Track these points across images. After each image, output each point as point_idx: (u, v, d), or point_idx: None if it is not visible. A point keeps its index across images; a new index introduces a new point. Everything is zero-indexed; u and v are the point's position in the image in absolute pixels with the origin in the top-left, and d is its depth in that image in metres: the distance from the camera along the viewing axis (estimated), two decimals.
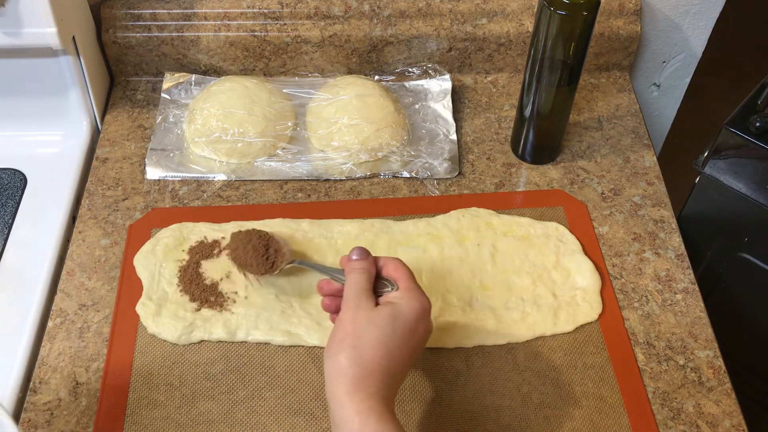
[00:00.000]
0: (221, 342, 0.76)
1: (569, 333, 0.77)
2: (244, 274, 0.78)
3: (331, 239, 0.82)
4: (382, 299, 0.64)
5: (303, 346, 0.76)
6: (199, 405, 0.72)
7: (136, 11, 0.97)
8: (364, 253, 0.67)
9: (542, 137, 0.91)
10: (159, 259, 0.81)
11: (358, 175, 0.91)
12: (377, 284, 0.66)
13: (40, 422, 0.71)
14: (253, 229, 0.79)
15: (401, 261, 0.67)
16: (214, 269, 0.81)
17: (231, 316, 0.77)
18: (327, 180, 0.91)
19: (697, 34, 1.06)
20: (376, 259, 0.67)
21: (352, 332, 0.61)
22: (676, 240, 0.86)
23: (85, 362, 0.75)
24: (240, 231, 0.79)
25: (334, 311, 0.69)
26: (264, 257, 0.76)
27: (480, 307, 0.79)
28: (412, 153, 0.92)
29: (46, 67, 0.90)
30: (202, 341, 0.76)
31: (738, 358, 0.86)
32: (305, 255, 0.81)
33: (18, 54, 0.89)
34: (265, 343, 0.76)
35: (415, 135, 0.95)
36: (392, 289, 0.65)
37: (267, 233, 0.78)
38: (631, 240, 0.86)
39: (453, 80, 1.01)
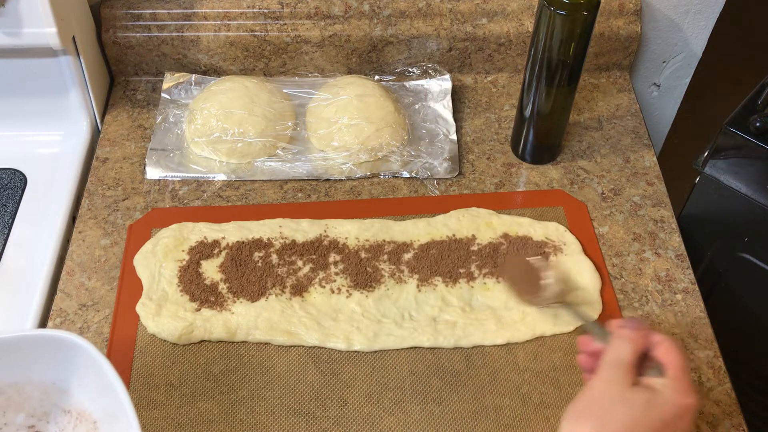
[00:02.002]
0: (221, 342, 0.76)
1: (569, 333, 0.77)
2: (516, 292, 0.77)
3: None
4: (643, 381, 0.58)
5: (303, 346, 0.76)
6: (199, 405, 0.72)
7: (136, 11, 0.97)
8: (638, 323, 0.60)
9: (542, 137, 0.91)
10: (159, 259, 0.81)
11: (358, 175, 0.91)
12: (643, 363, 0.59)
13: None
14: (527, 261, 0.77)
15: (678, 345, 0.60)
16: (214, 269, 0.81)
17: (231, 316, 0.77)
18: (327, 180, 0.91)
19: (697, 34, 1.06)
20: (649, 333, 0.60)
21: (600, 402, 0.56)
22: (676, 240, 0.86)
23: None
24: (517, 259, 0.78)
25: (589, 371, 0.63)
26: (534, 286, 0.75)
27: (480, 307, 0.79)
28: (412, 153, 0.92)
29: (46, 67, 0.90)
30: (202, 341, 0.76)
31: (738, 358, 0.86)
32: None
33: (18, 54, 0.89)
34: (265, 343, 0.76)
35: (415, 135, 0.95)
36: (657, 374, 0.58)
37: (541, 267, 0.76)
38: (631, 240, 0.86)
39: (453, 80, 1.01)
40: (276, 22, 0.98)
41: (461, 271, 0.81)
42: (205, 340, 0.76)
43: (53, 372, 0.61)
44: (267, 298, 0.78)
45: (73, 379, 0.61)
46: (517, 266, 0.78)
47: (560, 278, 0.76)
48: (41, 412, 0.62)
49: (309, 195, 0.90)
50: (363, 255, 0.82)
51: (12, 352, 0.60)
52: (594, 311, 0.79)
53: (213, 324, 0.76)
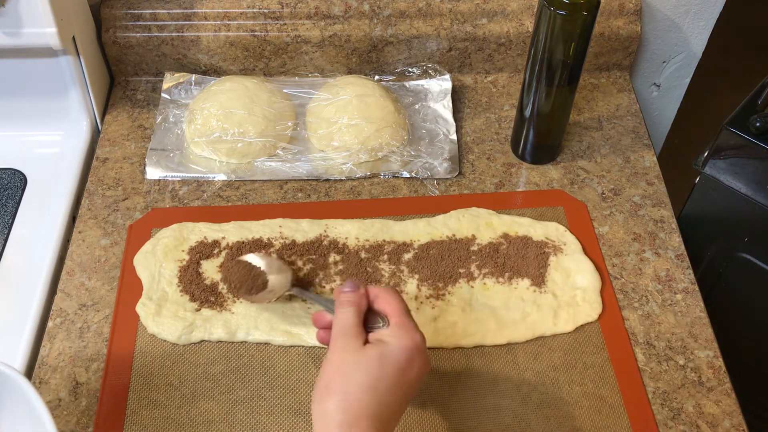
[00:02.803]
0: (221, 342, 0.76)
1: (569, 333, 0.77)
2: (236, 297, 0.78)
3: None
4: (371, 336, 0.61)
5: (303, 346, 0.76)
6: (199, 405, 0.72)
7: (136, 11, 0.97)
8: (355, 285, 0.63)
9: (542, 137, 0.91)
10: (159, 259, 0.81)
11: (358, 175, 0.91)
12: (369, 318, 0.62)
13: None
14: (241, 261, 0.76)
15: (395, 292, 0.63)
16: (214, 269, 0.81)
17: (231, 316, 0.77)
18: (327, 180, 0.91)
19: (697, 34, 1.06)
20: (368, 291, 0.63)
21: (338, 375, 0.58)
22: (676, 240, 0.86)
23: (85, 362, 0.75)
24: (232, 261, 0.77)
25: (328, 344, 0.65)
26: (250, 281, 0.74)
27: (480, 307, 0.79)
28: (412, 153, 0.92)
29: (46, 67, 0.90)
30: (202, 341, 0.76)
31: (738, 358, 0.86)
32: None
33: (18, 54, 0.89)
34: (265, 343, 0.76)
35: (415, 135, 0.95)
36: (383, 325, 0.61)
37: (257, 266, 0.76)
38: (631, 240, 0.86)
39: (453, 80, 1.01)
40: (276, 22, 0.98)
41: (461, 271, 0.81)
42: (205, 340, 0.76)
43: None
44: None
45: (2, 409, 0.60)
46: (236, 268, 0.76)
47: (280, 268, 0.76)
48: None
49: (309, 195, 0.90)
50: (363, 255, 0.82)
51: None
52: (594, 311, 0.79)
53: (213, 324, 0.76)
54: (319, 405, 0.58)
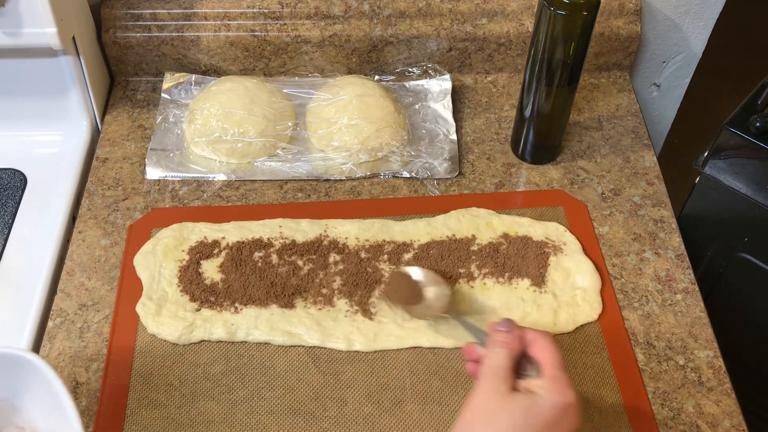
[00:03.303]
0: (221, 342, 0.76)
1: (569, 333, 0.77)
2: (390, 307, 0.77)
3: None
4: (522, 384, 0.58)
5: (303, 346, 0.76)
6: (199, 405, 0.72)
7: (136, 11, 0.97)
8: (510, 325, 0.60)
9: (542, 137, 0.91)
10: (159, 259, 0.81)
11: (358, 175, 0.91)
12: (521, 363, 0.59)
13: None
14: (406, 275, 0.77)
15: (552, 340, 0.59)
16: (214, 269, 0.81)
17: (231, 316, 0.77)
18: (327, 180, 0.91)
19: (697, 34, 1.06)
20: (523, 333, 0.60)
21: (481, 416, 0.56)
22: (676, 240, 0.86)
23: (85, 362, 0.75)
24: (396, 272, 0.78)
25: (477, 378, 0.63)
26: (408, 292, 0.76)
27: (480, 307, 0.79)
28: (412, 153, 0.92)
29: (46, 67, 0.90)
30: (202, 341, 0.76)
31: (738, 358, 0.86)
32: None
33: (18, 54, 0.89)
34: (265, 343, 0.76)
35: (415, 135, 0.95)
36: (535, 374, 0.58)
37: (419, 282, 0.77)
38: (631, 240, 0.86)
39: (453, 80, 1.01)
40: (276, 22, 0.98)
41: (461, 271, 0.81)
42: (205, 340, 0.76)
43: (8, 389, 0.61)
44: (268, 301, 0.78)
45: (26, 396, 0.61)
46: (399, 280, 0.77)
47: (444, 292, 0.76)
48: None
49: (309, 195, 0.90)
50: (363, 255, 0.82)
51: None
52: (594, 311, 0.79)
53: (213, 324, 0.76)
54: None
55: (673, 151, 1.22)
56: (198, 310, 0.77)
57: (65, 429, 0.57)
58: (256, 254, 0.82)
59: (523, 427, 0.55)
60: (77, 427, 0.56)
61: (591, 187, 0.91)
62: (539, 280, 0.80)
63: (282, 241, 0.83)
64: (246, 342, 0.76)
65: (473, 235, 0.84)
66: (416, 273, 0.77)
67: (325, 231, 0.84)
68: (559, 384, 0.56)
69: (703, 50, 1.08)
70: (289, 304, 0.78)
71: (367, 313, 0.78)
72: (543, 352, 0.58)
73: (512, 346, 0.59)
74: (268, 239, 0.83)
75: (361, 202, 0.89)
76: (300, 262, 0.81)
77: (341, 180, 0.91)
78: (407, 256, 0.82)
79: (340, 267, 0.81)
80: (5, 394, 0.62)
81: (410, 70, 1.02)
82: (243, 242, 0.83)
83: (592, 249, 0.84)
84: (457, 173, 0.92)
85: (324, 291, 0.79)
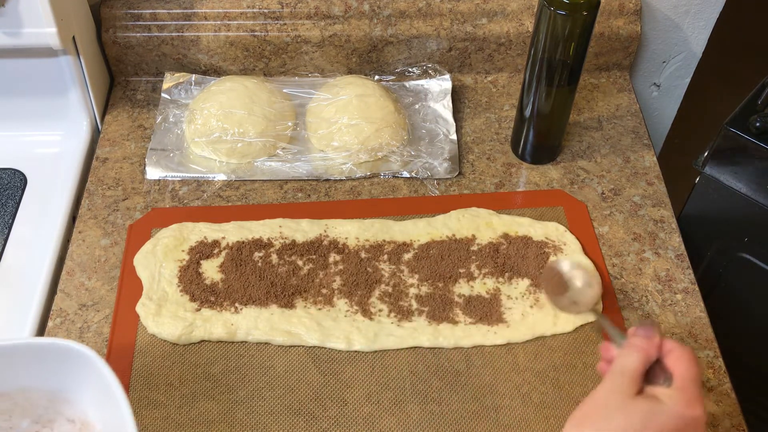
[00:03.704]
0: (221, 342, 0.76)
1: (569, 333, 0.77)
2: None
3: None
4: (648, 389, 0.57)
5: (303, 346, 0.76)
6: (199, 405, 0.72)
7: (136, 11, 0.97)
8: (651, 331, 0.59)
9: (542, 137, 0.91)
10: (159, 259, 0.81)
11: (358, 175, 0.91)
12: (653, 371, 0.58)
13: None
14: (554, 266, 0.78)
15: (691, 354, 0.58)
16: (214, 269, 0.81)
17: (231, 316, 0.77)
18: (327, 180, 0.91)
19: (697, 34, 1.06)
20: (662, 343, 0.59)
21: (600, 411, 0.55)
22: (676, 240, 0.86)
23: None
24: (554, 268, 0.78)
25: None
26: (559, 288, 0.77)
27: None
28: (412, 153, 0.92)
29: (46, 67, 0.90)
30: (202, 341, 0.76)
31: (738, 358, 0.86)
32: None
33: (18, 54, 0.89)
34: (265, 343, 0.76)
35: (415, 135, 0.95)
36: (665, 384, 0.57)
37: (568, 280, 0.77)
38: (631, 240, 0.86)
39: (453, 80, 1.01)
40: (276, 22, 0.98)
41: (461, 271, 0.81)
42: (205, 340, 0.76)
43: (60, 380, 0.62)
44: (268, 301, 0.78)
45: (78, 389, 0.62)
46: (551, 272, 0.78)
47: (591, 284, 0.77)
48: (46, 419, 0.63)
49: (309, 195, 0.90)
50: (363, 255, 0.82)
51: (23, 358, 0.60)
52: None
53: (213, 324, 0.76)
54: (573, 429, 0.56)
55: (673, 151, 1.23)
56: (198, 310, 0.77)
57: (117, 422, 0.57)
58: (256, 254, 0.82)
59: (639, 429, 0.54)
60: (129, 420, 0.56)
61: (591, 187, 0.91)
62: (539, 280, 0.80)
63: (282, 241, 0.83)
64: (246, 342, 0.76)
65: (473, 235, 0.84)
66: (568, 267, 0.78)
67: (325, 231, 0.84)
68: (686, 395, 0.55)
69: (703, 50, 1.08)
70: (289, 304, 0.78)
71: (367, 313, 0.78)
72: (678, 363, 0.57)
73: (648, 352, 0.58)
74: (268, 239, 0.83)
75: (361, 202, 0.89)
76: (300, 262, 0.81)
77: (341, 180, 0.91)
78: (407, 256, 0.82)
79: (340, 267, 0.81)
80: (57, 386, 0.62)
81: (410, 70, 1.02)
82: (243, 242, 0.83)
83: (592, 249, 0.84)
84: (457, 173, 0.92)
85: (324, 291, 0.79)
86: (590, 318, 0.77)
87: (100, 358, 0.58)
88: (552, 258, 0.81)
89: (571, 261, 0.78)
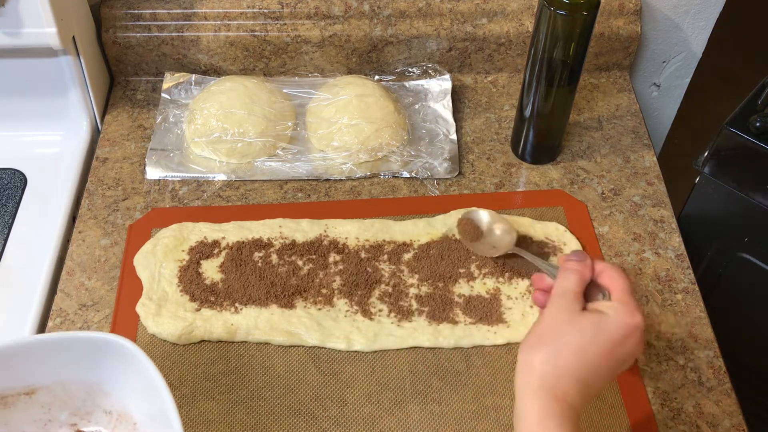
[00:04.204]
0: (221, 342, 0.76)
1: None
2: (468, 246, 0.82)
3: None
4: (590, 305, 0.61)
5: (303, 346, 0.76)
6: (199, 405, 0.72)
7: (136, 11, 0.97)
8: (582, 255, 0.64)
9: (542, 137, 0.91)
10: (159, 259, 0.81)
11: (358, 175, 0.91)
12: (590, 290, 0.63)
13: None
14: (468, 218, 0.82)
15: (621, 271, 0.63)
16: (214, 269, 0.81)
17: (231, 316, 0.77)
18: (327, 180, 0.91)
19: (697, 34, 1.06)
20: (593, 264, 0.64)
21: (551, 331, 0.59)
22: (676, 240, 0.86)
23: None
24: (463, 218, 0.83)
25: (544, 306, 0.66)
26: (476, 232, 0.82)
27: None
28: (412, 153, 0.92)
29: (46, 67, 0.90)
30: (202, 341, 0.76)
31: (738, 358, 0.86)
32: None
33: (18, 54, 0.89)
34: (265, 343, 0.76)
35: (415, 135, 0.95)
36: (603, 298, 0.62)
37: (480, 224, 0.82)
38: (631, 240, 0.86)
39: (453, 80, 1.01)
40: (276, 22, 0.98)
41: (461, 271, 0.81)
42: (205, 341, 0.76)
43: (99, 373, 0.63)
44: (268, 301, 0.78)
45: (117, 381, 0.63)
46: (467, 223, 0.82)
47: (509, 228, 0.81)
48: (84, 411, 0.65)
49: (309, 195, 0.90)
50: (363, 255, 0.82)
51: (65, 352, 0.61)
52: None
53: (213, 324, 0.76)
54: (525, 353, 0.58)
55: (673, 151, 1.23)
56: (198, 310, 0.77)
57: (158, 413, 0.58)
58: (256, 254, 0.82)
59: (590, 342, 0.57)
60: (173, 411, 0.56)
61: (591, 187, 0.91)
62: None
63: (282, 241, 0.83)
64: (246, 342, 0.76)
65: None
66: (480, 216, 0.82)
67: (325, 231, 0.84)
68: (627, 306, 0.59)
69: (703, 50, 1.08)
70: (289, 304, 0.78)
71: (367, 313, 0.78)
72: (612, 281, 0.62)
73: (582, 273, 0.62)
74: (268, 239, 0.83)
75: (361, 202, 0.89)
76: (300, 262, 0.81)
77: (341, 180, 0.91)
78: (407, 256, 0.82)
79: (340, 267, 0.81)
80: (95, 379, 0.63)
81: (410, 70, 1.02)
82: (243, 242, 0.83)
83: (592, 249, 0.84)
84: (457, 173, 0.92)
85: (324, 291, 0.79)
86: (511, 252, 0.80)
87: (141, 351, 0.59)
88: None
89: (486, 211, 0.82)
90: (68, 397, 0.64)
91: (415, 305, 0.78)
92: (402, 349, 0.76)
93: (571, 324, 0.59)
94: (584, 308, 0.61)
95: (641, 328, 0.59)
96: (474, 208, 0.83)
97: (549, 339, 0.58)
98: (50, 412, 0.64)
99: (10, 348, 0.60)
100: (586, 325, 0.58)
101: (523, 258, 0.82)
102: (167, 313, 0.77)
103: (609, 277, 0.62)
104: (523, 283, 0.80)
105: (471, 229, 0.82)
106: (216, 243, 0.83)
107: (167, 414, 0.56)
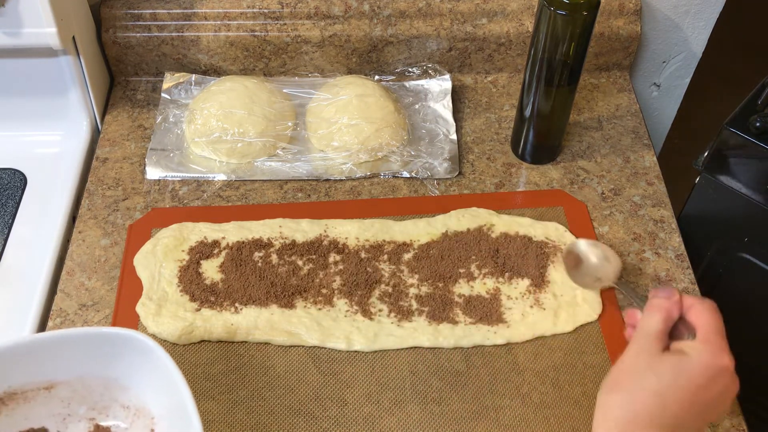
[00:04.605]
0: (221, 342, 0.76)
1: (569, 333, 0.77)
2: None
3: None
4: (673, 345, 0.58)
5: (303, 346, 0.76)
6: (199, 405, 0.72)
7: (136, 11, 0.97)
8: (670, 291, 0.61)
9: (542, 137, 0.91)
10: (159, 259, 0.81)
11: (358, 175, 0.91)
12: (677, 329, 0.60)
13: None
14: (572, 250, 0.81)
15: (711, 307, 0.59)
16: (214, 269, 0.81)
17: (231, 316, 0.77)
18: (327, 180, 0.91)
19: (697, 34, 1.06)
20: (682, 300, 0.61)
21: (629, 374, 0.56)
22: (676, 240, 0.86)
23: None
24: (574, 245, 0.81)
25: None
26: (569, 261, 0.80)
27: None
28: (412, 153, 0.92)
29: (46, 67, 0.90)
30: (202, 341, 0.76)
31: (738, 358, 0.86)
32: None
33: (18, 54, 0.89)
34: (265, 343, 0.76)
35: (415, 135, 0.95)
36: (689, 337, 0.58)
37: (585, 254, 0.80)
38: (631, 240, 0.86)
39: (453, 80, 1.01)
40: (276, 22, 0.98)
41: (461, 271, 0.81)
42: (205, 340, 0.76)
43: (118, 368, 0.64)
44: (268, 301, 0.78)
45: (135, 377, 0.64)
46: (569, 252, 0.81)
47: (608, 257, 0.79)
48: (101, 406, 0.66)
49: (309, 195, 0.90)
50: (363, 255, 0.82)
51: (86, 347, 0.63)
52: (594, 311, 0.79)
53: (213, 324, 0.76)
54: (604, 396, 0.57)
55: (673, 151, 1.22)
56: (198, 310, 0.77)
57: (176, 408, 0.59)
58: (256, 254, 0.82)
59: (670, 385, 0.54)
60: (192, 407, 0.57)
61: (591, 187, 0.91)
62: (539, 280, 0.80)
63: (282, 241, 0.83)
64: (246, 342, 0.76)
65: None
66: (584, 246, 0.80)
67: (325, 231, 0.84)
68: (712, 346, 0.56)
69: (703, 50, 1.08)
70: (289, 304, 0.78)
71: (367, 313, 0.78)
72: (700, 317, 0.58)
73: (669, 310, 0.59)
74: (268, 239, 0.83)
75: (361, 202, 0.89)
76: (300, 262, 0.81)
77: (341, 180, 0.91)
78: (407, 256, 0.82)
79: (340, 267, 0.81)
80: (114, 374, 0.64)
81: (410, 70, 1.02)
82: (243, 242, 0.83)
83: None
84: (457, 173, 0.92)
85: (324, 291, 0.79)
86: (610, 286, 0.78)
87: (160, 347, 0.60)
88: (559, 253, 0.83)
89: (587, 241, 0.80)
90: (87, 392, 0.65)
91: (415, 305, 0.78)
92: (402, 349, 0.76)
93: (650, 367, 0.56)
94: (667, 348, 0.58)
95: (729, 369, 0.56)
96: (576, 241, 0.81)
97: (626, 382, 0.56)
98: (69, 406, 0.65)
99: (30, 343, 0.61)
100: (666, 368, 0.55)
101: (523, 258, 0.82)
102: (167, 313, 0.77)
103: (697, 313, 0.59)
104: (523, 283, 0.80)
105: (573, 259, 0.80)
106: (216, 243, 0.83)
107: (186, 408, 0.57)
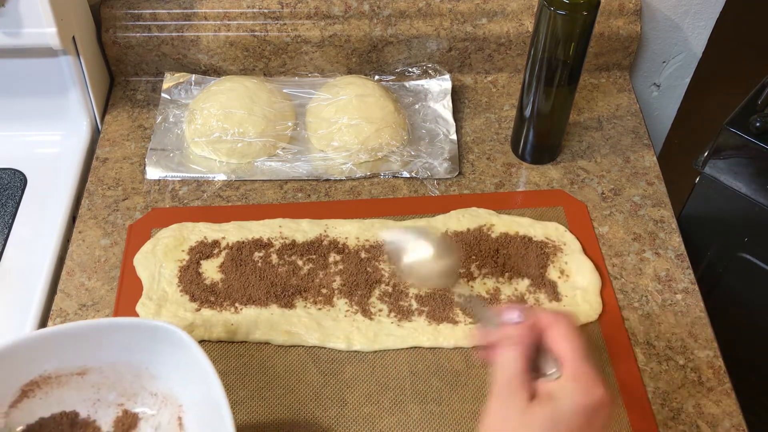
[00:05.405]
0: (221, 342, 0.76)
1: None
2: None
3: None
4: (541, 387, 0.51)
5: (303, 346, 0.76)
6: None
7: (136, 11, 0.97)
8: (520, 312, 0.54)
9: (542, 137, 0.91)
10: (159, 259, 0.81)
11: (358, 175, 0.91)
12: (539, 360, 0.53)
13: None
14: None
15: (567, 324, 0.52)
16: (214, 269, 0.81)
17: (231, 316, 0.77)
18: (327, 180, 0.91)
19: (697, 34, 1.06)
20: (537, 320, 0.53)
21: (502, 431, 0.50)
22: (676, 240, 0.86)
23: None
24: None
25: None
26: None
27: None
28: (412, 153, 0.92)
29: (46, 67, 0.90)
30: (202, 341, 0.76)
31: (738, 358, 0.86)
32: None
33: (18, 54, 0.89)
34: (265, 343, 0.76)
35: (415, 135, 0.95)
36: (555, 373, 0.51)
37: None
38: (631, 240, 0.86)
39: (453, 80, 1.01)
40: (276, 22, 0.98)
41: (461, 271, 0.81)
42: (205, 340, 0.76)
43: (148, 357, 0.66)
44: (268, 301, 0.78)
45: (165, 366, 0.66)
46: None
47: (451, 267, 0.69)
48: (130, 392, 0.68)
49: (309, 195, 0.90)
50: (363, 255, 0.82)
51: (119, 336, 0.65)
52: (594, 311, 0.79)
53: (213, 324, 0.76)
54: None
55: (673, 151, 1.23)
56: (198, 310, 0.77)
57: (205, 398, 0.61)
58: (256, 254, 0.82)
59: None
60: (222, 397, 0.59)
61: (591, 187, 0.91)
62: (539, 280, 0.80)
63: (282, 241, 0.83)
64: (246, 342, 0.76)
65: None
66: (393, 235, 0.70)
67: (325, 231, 0.84)
68: (581, 382, 0.50)
69: (703, 50, 1.08)
70: (289, 304, 0.78)
71: (367, 313, 0.78)
72: (560, 344, 0.52)
73: (524, 342, 0.52)
74: (268, 239, 0.83)
75: (361, 202, 0.89)
76: (300, 262, 0.81)
77: (341, 180, 0.91)
78: None
79: (340, 267, 0.81)
80: (144, 363, 0.66)
81: (410, 70, 1.02)
82: (243, 242, 0.83)
83: (592, 249, 0.84)
84: (457, 173, 0.92)
85: (324, 291, 0.79)
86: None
87: (190, 337, 0.62)
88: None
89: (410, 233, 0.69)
90: (117, 379, 0.67)
91: (415, 305, 0.78)
92: (402, 349, 0.76)
93: (523, 423, 0.49)
94: (533, 394, 0.51)
95: (603, 403, 0.50)
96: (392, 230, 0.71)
97: None
98: (99, 392, 0.67)
99: (69, 330, 0.63)
100: (539, 422, 0.49)
101: (523, 258, 0.82)
102: (167, 313, 0.77)
103: (557, 338, 0.52)
104: (523, 283, 0.80)
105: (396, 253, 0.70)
106: (216, 243, 0.83)
107: (215, 398, 0.59)
